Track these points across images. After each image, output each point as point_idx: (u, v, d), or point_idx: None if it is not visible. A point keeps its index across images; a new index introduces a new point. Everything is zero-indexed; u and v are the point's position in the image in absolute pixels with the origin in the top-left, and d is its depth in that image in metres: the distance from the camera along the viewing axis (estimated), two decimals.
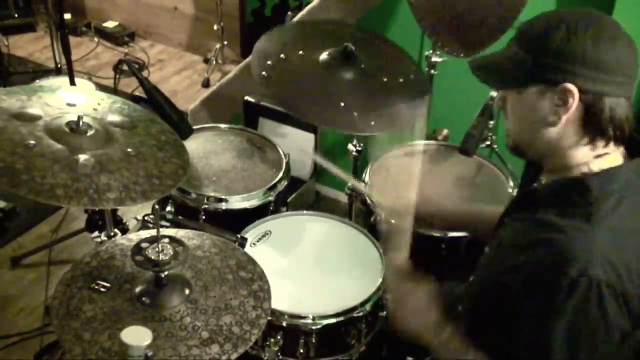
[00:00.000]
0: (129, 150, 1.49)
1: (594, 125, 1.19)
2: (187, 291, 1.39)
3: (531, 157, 1.33)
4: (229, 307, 1.37)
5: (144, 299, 1.35)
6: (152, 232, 1.45)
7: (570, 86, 1.15)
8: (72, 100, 1.59)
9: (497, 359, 1.29)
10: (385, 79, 1.99)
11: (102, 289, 1.38)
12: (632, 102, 1.21)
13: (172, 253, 1.34)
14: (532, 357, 1.19)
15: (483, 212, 1.69)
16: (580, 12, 1.19)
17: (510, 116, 1.28)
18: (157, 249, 1.34)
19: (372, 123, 1.87)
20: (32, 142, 1.38)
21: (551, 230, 1.16)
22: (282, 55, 1.93)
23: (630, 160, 1.23)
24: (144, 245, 1.35)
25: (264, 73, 1.87)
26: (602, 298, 1.10)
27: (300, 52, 1.97)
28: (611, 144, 1.21)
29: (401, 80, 2.02)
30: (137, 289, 1.38)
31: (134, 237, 1.55)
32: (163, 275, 1.35)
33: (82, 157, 1.40)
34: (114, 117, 1.59)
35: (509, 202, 1.46)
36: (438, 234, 1.90)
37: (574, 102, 1.16)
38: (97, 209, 2.12)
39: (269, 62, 1.90)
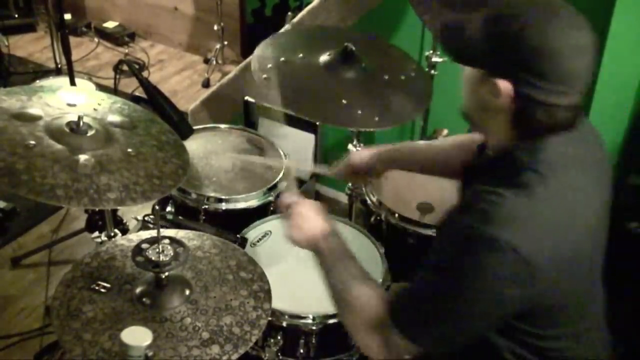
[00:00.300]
0: (129, 150, 1.49)
1: (521, 125, 1.20)
2: (187, 292, 1.39)
3: (474, 128, 1.36)
4: (230, 308, 1.38)
5: (144, 299, 1.36)
6: (153, 233, 1.45)
7: (506, 85, 1.16)
8: (72, 100, 1.59)
9: None
10: (386, 77, 1.99)
11: (103, 290, 1.38)
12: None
13: (172, 254, 1.34)
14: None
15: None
16: (547, 11, 1.17)
17: (463, 84, 1.30)
18: (157, 250, 1.34)
19: (376, 119, 1.88)
20: (32, 142, 1.38)
21: (473, 197, 1.19)
22: (282, 59, 1.93)
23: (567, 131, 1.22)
24: (144, 246, 1.35)
25: (264, 76, 1.87)
26: (502, 256, 1.10)
27: (300, 54, 1.97)
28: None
29: (402, 77, 2.02)
30: (138, 290, 1.38)
31: (135, 237, 1.55)
32: (163, 276, 1.35)
33: (83, 158, 1.40)
34: (114, 118, 1.59)
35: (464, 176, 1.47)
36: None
37: (505, 101, 1.17)
38: (97, 209, 2.12)
39: (269, 66, 1.90)
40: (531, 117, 1.17)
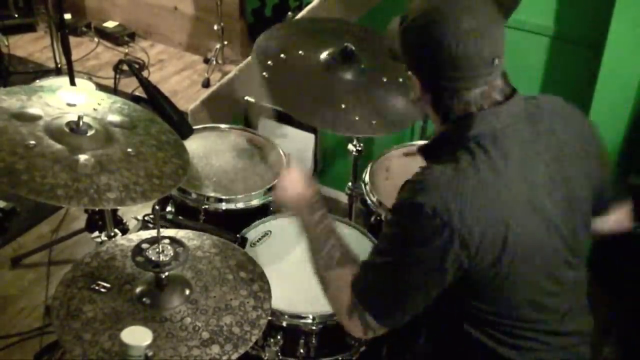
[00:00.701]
0: (129, 150, 1.49)
1: (441, 111, 1.27)
2: (187, 292, 1.39)
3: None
4: (229, 308, 1.38)
5: (144, 299, 1.36)
6: (153, 233, 1.45)
7: (414, 78, 1.28)
8: (72, 100, 1.59)
9: None
10: (385, 79, 1.99)
11: (103, 290, 1.38)
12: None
13: (172, 254, 1.34)
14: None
15: None
16: (443, 3, 1.22)
17: None
18: (157, 250, 1.34)
19: (373, 122, 1.87)
20: (32, 142, 1.38)
21: (411, 176, 1.28)
22: (282, 56, 1.93)
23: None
24: (144, 246, 1.35)
25: (264, 74, 1.87)
26: (427, 220, 1.17)
27: (300, 52, 1.96)
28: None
29: (401, 80, 2.02)
30: (138, 290, 1.38)
31: (135, 237, 1.55)
32: (163, 276, 1.35)
33: (83, 157, 1.40)
34: (114, 117, 1.59)
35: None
36: None
37: (420, 91, 1.28)
38: (97, 209, 2.12)
39: (269, 63, 1.90)
40: (443, 102, 1.25)
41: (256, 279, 1.47)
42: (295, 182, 1.50)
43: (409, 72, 1.29)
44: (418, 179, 1.24)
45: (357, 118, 1.86)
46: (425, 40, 1.21)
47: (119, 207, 2.01)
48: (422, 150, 1.36)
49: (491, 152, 1.22)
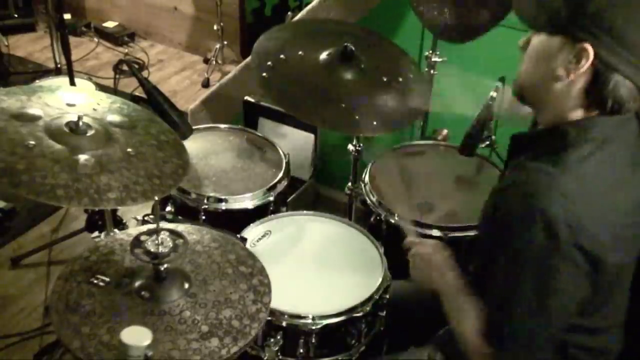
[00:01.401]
0: (129, 150, 1.49)
1: (595, 93, 1.21)
2: (186, 285, 1.38)
3: (529, 103, 1.36)
4: (229, 301, 1.37)
5: (143, 292, 1.35)
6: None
7: (589, 48, 1.16)
8: (71, 100, 1.59)
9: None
10: (385, 79, 1.99)
11: (102, 283, 1.37)
12: None
13: (171, 245, 1.34)
14: (501, 285, 1.25)
15: None
16: None
17: (527, 58, 1.30)
18: (156, 242, 1.33)
19: (374, 123, 1.88)
20: (32, 142, 1.38)
21: (520, 172, 1.22)
22: (282, 56, 1.93)
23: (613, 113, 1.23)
24: (143, 237, 1.35)
25: (264, 74, 1.87)
26: (557, 236, 1.14)
27: (300, 52, 1.97)
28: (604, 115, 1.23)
29: (400, 79, 2.02)
30: (137, 283, 1.37)
31: (134, 232, 1.54)
32: (162, 268, 1.35)
33: (83, 158, 1.40)
34: (114, 117, 1.59)
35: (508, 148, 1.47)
36: (438, 234, 1.91)
37: (586, 65, 1.18)
38: (97, 209, 2.12)
39: (269, 63, 1.90)
40: (606, 83, 1.18)
41: (256, 274, 1.47)
42: (428, 260, 1.52)
43: (577, 44, 1.17)
44: (534, 185, 1.17)
45: (357, 117, 1.86)
46: (628, 15, 1.15)
47: (119, 207, 2.01)
48: (520, 137, 1.31)
49: (607, 159, 1.20)
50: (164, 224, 1.44)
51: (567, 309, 1.22)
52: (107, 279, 1.39)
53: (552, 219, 1.13)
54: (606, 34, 1.15)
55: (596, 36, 1.16)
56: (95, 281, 1.38)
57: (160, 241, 1.34)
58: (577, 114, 1.24)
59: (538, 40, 1.26)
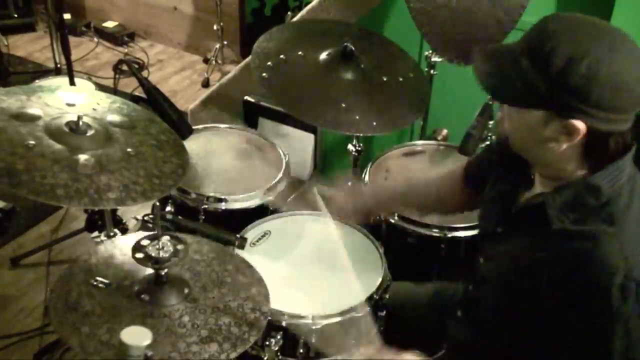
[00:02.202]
0: (129, 150, 1.49)
1: (595, 156, 1.18)
2: (186, 290, 1.39)
3: (521, 155, 1.31)
4: (228, 309, 1.38)
5: (143, 296, 1.35)
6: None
7: (580, 124, 1.12)
8: (71, 100, 1.59)
9: None
10: (385, 78, 1.99)
11: (101, 285, 1.38)
12: None
13: (172, 250, 1.34)
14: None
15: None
16: (604, 38, 1.13)
17: (510, 122, 1.25)
18: (157, 246, 1.34)
19: (374, 124, 1.87)
20: (32, 142, 1.38)
21: (580, 240, 1.16)
22: (281, 56, 1.93)
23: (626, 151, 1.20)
24: (144, 242, 1.35)
25: (264, 75, 1.87)
26: (629, 291, 1.11)
27: (300, 52, 1.97)
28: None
29: (400, 79, 2.02)
30: (137, 287, 1.38)
31: (134, 237, 1.54)
32: (163, 273, 1.35)
33: (83, 157, 1.40)
34: (114, 117, 1.59)
35: (501, 216, 1.41)
36: (438, 234, 1.90)
37: (579, 137, 1.14)
38: (97, 209, 2.12)
39: (269, 63, 1.90)
40: (605, 146, 1.15)
41: (255, 284, 1.47)
42: None
43: (566, 120, 1.13)
44: (606, 251, 1.13)
45: (357, 117, 1.86)
46: (612, 83, 1.09)
47: (118, 207, 2.01)
48: (541, 206, 1.24)
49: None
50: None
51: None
52: (107, 281, 1.39)
53: (636, 280, 1.11)
54: (594, 107, 1.11)
55: (584, 111, 1.11)
56: (95, 283, 1.38)
57: (161, 246, 1.34)
58: (585, 167, 1.20)
59: (516, 112, 1.22)
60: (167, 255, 1.33)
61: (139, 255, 1.33)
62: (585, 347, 1.19)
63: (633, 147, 1.19)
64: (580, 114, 1.12)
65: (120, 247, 1.50)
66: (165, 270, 1.35)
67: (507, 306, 1.32)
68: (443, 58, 2.30)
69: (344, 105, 1.87)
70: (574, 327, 1.18)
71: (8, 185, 1.28)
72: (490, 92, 1.25)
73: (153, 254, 1.33)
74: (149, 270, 1.37)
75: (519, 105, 1.20)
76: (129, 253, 1.39)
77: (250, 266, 1.52)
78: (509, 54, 1.18)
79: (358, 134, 2.12)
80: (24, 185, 1.29)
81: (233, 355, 1.27)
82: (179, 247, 1.36)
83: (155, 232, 1.35)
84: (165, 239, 1.36)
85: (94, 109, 1.59)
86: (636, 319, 1.13)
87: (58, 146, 1.40)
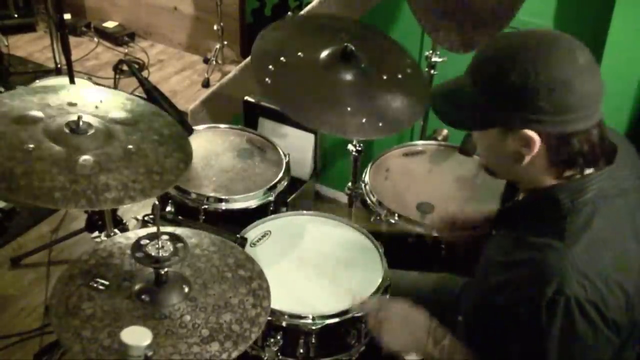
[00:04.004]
0: (130, 147, 1.48)
1: (561, 161, 1.17)
2: (186, 289, 1.38)
3: (503, 178, 1.35)
4: (229, 305, 1.37)
5: (143, 296, 1.35)
6: (152, 230, 1.44)
7: (530, 133, 1.13)
8: (73, 99, 1.59)
9: None
10: (385, 77, 1.99)
11: (101, 287, 1.37)
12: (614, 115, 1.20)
13: (172, 249, 1.34)
14: None
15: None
16: (532, 41, 1.14)
17: (479, 149, 1.28)
18: (157, 246, 1.33)
19: (377, 126, 1.87)
20: (31, 145, 1.38)
21: (528, 249, 1.17)
22: (282, 59, 1.92)
23: (602, 167, 1.20)
24: (144, 242, 1.35)
25: (267, 80, 1.86)
26: (584, 313, 1.10)
27: (300, 53, 1.96)
28: (583, 169, 1.19)
29: (400, 77, 2.01)
30: (137, 287, 1.37)
31: (132, 235, 1.54)
32: (163, 272, 1.35)
33: (81, 158, 1.40)
34: (117, 114, 1.58)
35: (495, 217, 1.46)
36: (438, 234, 1.91)
37: (537, 146, 1.14)
38: (96, 210, 2.12)
39: (270, 67, 1.89)
40: (570, 149, 1.15)
41: (255, 277, 1.47)
42: (409, 319, 1.41)
43: (519, 132, 1.13)
44: (546, 264, 1.12)
45: (358, 120, 1.85)
46: (553, 84, 1.09)
47: (117, 207, 2.01)
48: (505, 212, 1.28)
49: (606, 216, 1.16)
50: (163, 228, 1.44)
51: None
52: (107, 283, 1.38)
53: (575, 297, 1.09)
54: (538, 113, 1.11)
55: (530, 119, 1.11)
56: (95, 285, 1.38)
57: (160, 245, 1.34)
58: (555, 176, 1.20)
59: (478, 135, 1.23)
60: (167, 254, 1.33)
61: (139, 254, 1.33)
62: (521, 356, 1.19)
63: (611, 166, 1.18)
64: (529, 123, 1.12)
65: (118, 247, 1.50)
66: (166, 269, 1.35)
67: (474, 308, 1.35)
68: (444, 46, 2.30)
69: (349, 109, 1.86)
70: (509, 333, 1.18)
71: (6, 191, 1.28)
72: (449, 124, 1.25)
73: (153, 254, 1.33)
74: (149, 270, 1.37)
75: (474, 128, 1.24)
76: (127, 252, 1.39)
77: (250, 259, 1.52)
78: (457, 85, 1.22)
79: (360, 139, 2.11)
80: (22, 190, 1.28)
81: (235, 354, 1.27)
82: (179, 246, 1.36)
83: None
84: (165, 238, 1.36)
85: (96, 107, 1.59)
86: (572, 336, 1.11)
87: (57, 148, 1.40)
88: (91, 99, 1.62)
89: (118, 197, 1.36)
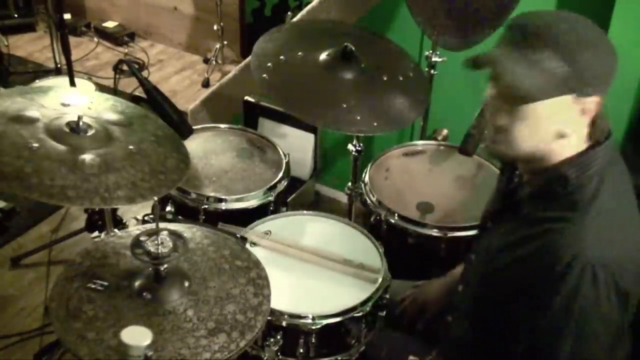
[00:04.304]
0: (131, 147, 1.48)
1: (597, 132, 1.22)
2: (186, 284, 1.38)
3: (517, 158, 1.33)
4: (231, 296, 1.37)
5: (144, 294, 1.34)
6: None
7: (598, 99, 1.18)
8: (66, 100, 1.58)
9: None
10: (385, 77, 1.99)
11: (100, 288, 1.36)
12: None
13: (171, 246, 1.34)
14: (530, 341, 1.22)
15: None
16: (581, 20, 1.22)
17: (522, 126, 1.22)
18: (156, 242, 1.33)
19: (376, 123, 1.87)
20: (35, 144, 1.38)
21: (537, 224, 1.20)
22: (281, 57, 1.93)
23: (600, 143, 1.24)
24: (142, 238, 1.34)
25: (264, 76, 1.87)
26: (596, 279, 1.13)
27: (300, 53, 1.96)
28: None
29: (401, 78, 2.02)
30: (137, 285, 1.36)
31: (124, 234, 1.54)
32: (162, 269, 1.34)
33: (88, 157, 1.40)
34: (109, 116, 1.58)
35: (488, 211, 1.49)
36: (438, 234, 1.91)
37: (591, 115, 1.20)
38: (110, 207, 2.10)
39: (269, 65, 1.89)
40: (600, 119, 1.21)
41: (252, 267, 1.47)
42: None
43: (584, 98, 1.18)
44: (561, 233, 1.16)
45: (358, 117, 1.86)
46: (598, 56, 1.18)
47: (122, 206, 2.00)
48: (514, 193, 1.31)
49: (610, 189, 1.21)
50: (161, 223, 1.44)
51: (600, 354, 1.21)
52: (106, 283, 1.38)
53: (591, 263, 1.12)
54: (599, 80, 1.19)
55: (594, 85, 1.18)
56: (94, 286, 1.37)
57: (160, 242, 1.33)
58: (566, 154, 1.24)
59: (534, 107, 1.19)
60: (166, 250, 1.33)
61: (138, 251, 1.33)
62: (526, 325, 1.21)
63: (610, 139, 1.24)
64: (592, 90, 1.18)
65: (113, 246, 1.49)
66: (165, 265, 1.35)
67: (481, 294, 1.37)
68: (443, 54, 2.31)
69: (344, 105, 1.87)
70: (519, 307, 1.21)
71: (19, 189, 1.28)
72: (517, 90, 1.20)
73: (152, 250, 1.32)
74: (147, 267, 1.36)
75: (543, 97, 1.19)
76: (122, 251, 1.38)
77: (245, 249, 1.52)
78: (525, 53, 1.19)
79: (359, 134, 2.12)
80: (35, 189, 1.28)
81: (243, 343, 1.27)
82: (178, 242, 1.36)
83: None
84: (164, 234, 1.36)
85: (89, 108, 1.58)
86: (580, 299, 1.14)
87: (61, 147, 1.40)
88: (80, 101, 1.61)
89: (130, 195, 1.36)
